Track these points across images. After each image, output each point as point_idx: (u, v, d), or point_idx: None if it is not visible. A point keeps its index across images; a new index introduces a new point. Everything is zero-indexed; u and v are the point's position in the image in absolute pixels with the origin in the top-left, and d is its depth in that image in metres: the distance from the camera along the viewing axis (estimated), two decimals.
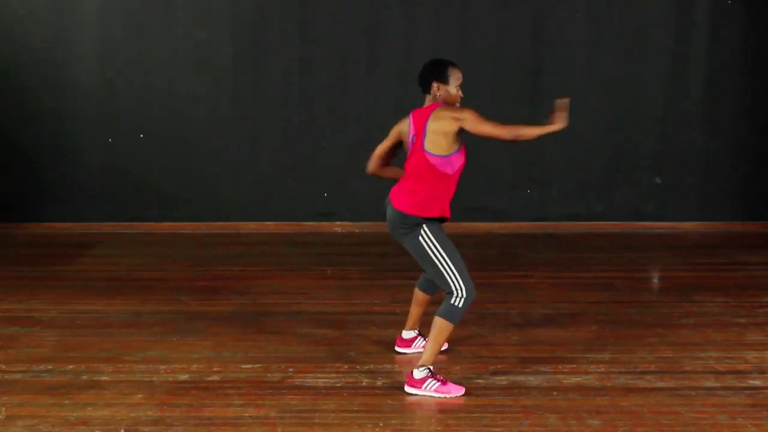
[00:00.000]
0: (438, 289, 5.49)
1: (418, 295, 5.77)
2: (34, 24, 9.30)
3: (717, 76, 9.48)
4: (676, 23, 9.43)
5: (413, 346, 5.83)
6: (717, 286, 7.41)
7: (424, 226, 5.23)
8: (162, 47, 9.38)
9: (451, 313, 5.18)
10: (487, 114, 5.01)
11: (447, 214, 5.30)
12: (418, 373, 5.16)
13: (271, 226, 9.56)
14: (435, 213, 5.24)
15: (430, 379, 5.15)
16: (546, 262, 8.28)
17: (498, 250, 8.80)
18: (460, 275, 5.20)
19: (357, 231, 9.44)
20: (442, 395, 5.12)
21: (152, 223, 9.53)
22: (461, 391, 5.15)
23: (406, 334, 5.85)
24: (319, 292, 7.23)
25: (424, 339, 5.80)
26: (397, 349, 5.84)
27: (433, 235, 5.22)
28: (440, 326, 5.18)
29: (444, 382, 5.17)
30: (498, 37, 9.40)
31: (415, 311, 5.81)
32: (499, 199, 9.62)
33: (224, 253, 8.63)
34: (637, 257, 8.49)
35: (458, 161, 5.23)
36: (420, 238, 5.23)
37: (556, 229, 9.53)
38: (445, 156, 5.17)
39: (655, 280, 7.99)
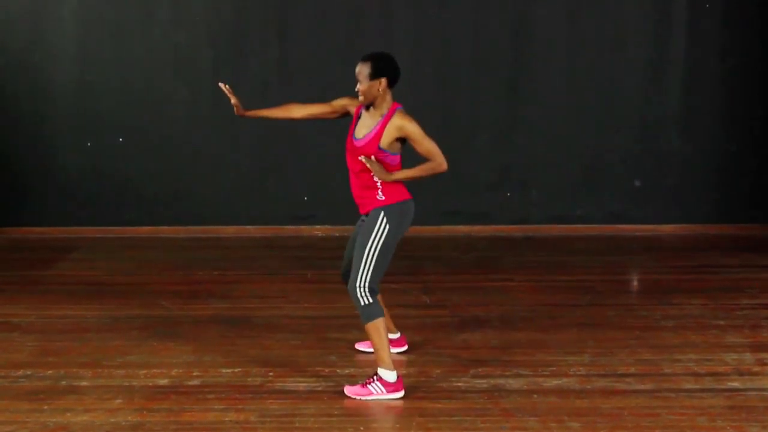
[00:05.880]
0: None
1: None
2: (12, 26, 9.25)
3: (695, 79, 9.53)
4: (654, 26, 9.47)
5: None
6: (696, 288, 7.43)
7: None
8: (140, 49, 9.35)
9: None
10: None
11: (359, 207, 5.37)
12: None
13: (251, 229, 9.54)
14: None
15: None
16: (526, 265, 8.29)
17: (478, 253, 8.80)
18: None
19: (337, 234, 9.42)
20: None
21: (131, 227, 9.49)
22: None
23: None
24: (300, 296, 7.22)
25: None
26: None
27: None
28: None
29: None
30: (477, 39, 9.41)
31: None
32: (479, 202, 9.62)
33: (204, 256, 8.60)
34: (616, 260, 8.51)
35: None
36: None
37: (536, 232, 9.54)
38: None
39: (635, 283, 8.01)
